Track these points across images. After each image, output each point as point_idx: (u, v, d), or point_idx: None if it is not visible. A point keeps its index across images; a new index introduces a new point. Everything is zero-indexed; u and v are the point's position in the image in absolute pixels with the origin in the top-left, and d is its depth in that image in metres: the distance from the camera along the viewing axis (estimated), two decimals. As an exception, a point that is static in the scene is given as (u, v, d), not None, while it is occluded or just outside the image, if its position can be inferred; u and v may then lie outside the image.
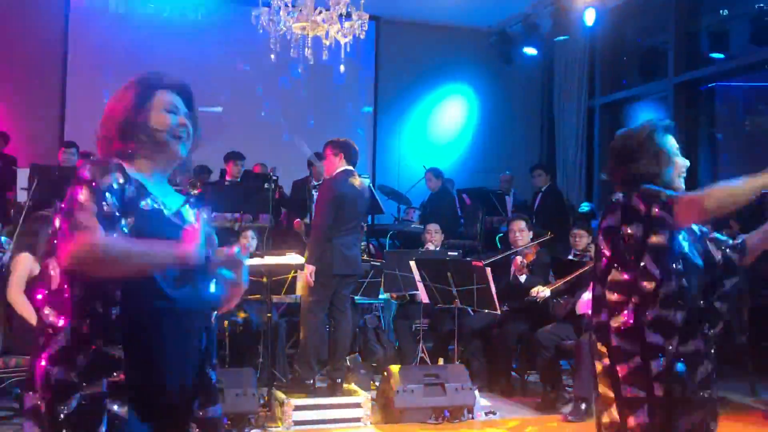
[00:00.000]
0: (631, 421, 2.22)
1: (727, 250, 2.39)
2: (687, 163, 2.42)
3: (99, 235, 1.66)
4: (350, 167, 5.36)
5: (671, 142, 2.40)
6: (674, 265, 2.24)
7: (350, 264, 5.27)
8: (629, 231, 2.26)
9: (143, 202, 1.80)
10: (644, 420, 2.20)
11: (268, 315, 5.20)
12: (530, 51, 9.37)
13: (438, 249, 6.45)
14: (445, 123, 10.16)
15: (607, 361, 2.28)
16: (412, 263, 5.58)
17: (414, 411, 4.81)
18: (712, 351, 2.32)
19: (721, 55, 8.16)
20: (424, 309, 5.93)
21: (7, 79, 8.28)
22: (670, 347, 2.21)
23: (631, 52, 9.57)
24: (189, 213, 1.94)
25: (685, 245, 2.30)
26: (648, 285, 2.23)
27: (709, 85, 8.53)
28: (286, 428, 4.61)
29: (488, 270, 5.21)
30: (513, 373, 5.96)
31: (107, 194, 1.71)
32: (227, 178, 7.64)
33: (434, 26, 9.70)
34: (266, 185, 6.86)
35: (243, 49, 8.88)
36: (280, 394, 4.88)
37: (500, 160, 9.64)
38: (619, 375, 2.24)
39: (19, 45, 8.19)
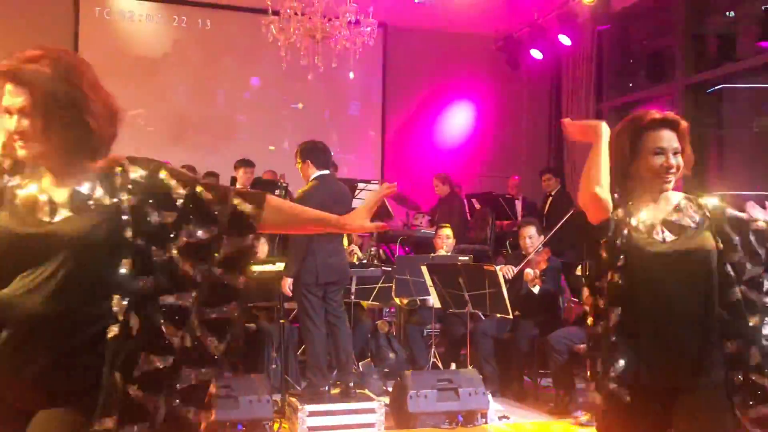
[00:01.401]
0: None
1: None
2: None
3: None
4: (324, 171, 5.27)
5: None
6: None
7: (335, 271, 5.21)
8: None
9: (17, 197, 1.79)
10: None
11: (281, 321, 5.24)
12: (537, 55, 9.38)
13: (449, 254, 6.47)
14: (453, 128, 10.18)
15: None
16: (424, 268, 5.59)
17: (427, 416, 4.82)
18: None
19: (729, 57, 8.16)
20: (435, 314, 5.94)
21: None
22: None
23: (638, 55, 9.58)
24: (88, 189, 1.83)
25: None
26: None
27: (717, 87, 8.53)
28: (300, 434, 4.63)
29: (500, 274, 5.22)
30: (525, 378, 5.96)
31: None
32: (237, 185, 7.68)
33: (441, 32, 9.72)
34: (276, 192, 6.88)
35: (252, 57, 8.92)
36: (294, 401, 4.90)
37: (508, 164, 9.66)
38: None
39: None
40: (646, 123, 2.27)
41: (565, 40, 8.97)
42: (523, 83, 10.14)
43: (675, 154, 2.26)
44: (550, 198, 8.29)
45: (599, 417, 2.27)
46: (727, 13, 8.43)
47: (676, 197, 2.30)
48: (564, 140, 9.98)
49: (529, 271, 5.77)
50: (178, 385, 1.77)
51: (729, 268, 2.17)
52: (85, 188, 1.79)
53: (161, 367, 1.73)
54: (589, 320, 2.27)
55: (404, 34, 9.73)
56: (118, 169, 1.81)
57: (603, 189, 2.20)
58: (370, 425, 4.76)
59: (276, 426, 4.68)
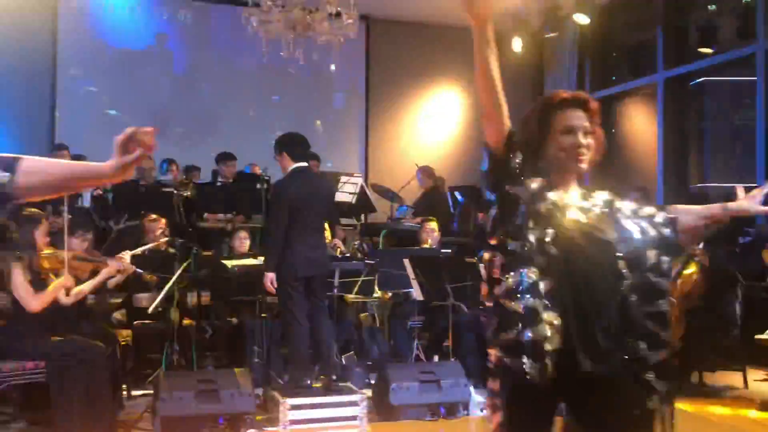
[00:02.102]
0: None
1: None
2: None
3: None
4: (302, 164, 5.16)
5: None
6: None
7: (315, 265, 5.11)
8: None
9: None
10: None
11: (263, 315, 5.22)
12: (519, 48, 9.39)
13: (434, 247, 6.47)
14: (437, 121, 10.18)
15: None
16: (407, 261, 5.59)
17: (410, 408, 4.83)
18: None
19: (710, 50, 8.22)
20: (418, 306, 5.95)
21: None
22: None
23: (620, 48, 9.62)
24: None
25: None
26: None
27: (698, 80, 8.59)
28: (282, 428, 4.61)
29: (481, 266, 5.23)
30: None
31: None
32: (220, 179, 7.64)
33: (424, 24, 9.72)
34: (258, 185, 6.86)
35: (233, 50, 8.87)
36: (276, 394, 4.88)
37: (492, 157, 9.67)
38: None
39: (9, 48, 8.14)
40: (556, 102, 2.24)
41: (546, 32, 9.00)
42: (505, 76, 10.11)
43: (585, 134, 2.20)
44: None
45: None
46: (709, 6, 8.48)
47: (577, 190, 2.23)
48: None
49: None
50: None
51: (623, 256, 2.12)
52: None
53: None
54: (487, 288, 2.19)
55: (387, 25, 9.72)
56: None
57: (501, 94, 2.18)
58: (353, 418, 4.75)
59: (258, 419, 4.66)
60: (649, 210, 2.23)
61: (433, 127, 10.17)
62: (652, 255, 2.14)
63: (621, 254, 2.12)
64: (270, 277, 5.02)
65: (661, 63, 8.52)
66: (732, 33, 7.97)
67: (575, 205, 2.18)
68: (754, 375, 5.93)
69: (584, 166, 2.21)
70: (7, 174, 1.64)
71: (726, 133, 8.96)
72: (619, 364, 2.06)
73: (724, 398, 5.49)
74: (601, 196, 2.24)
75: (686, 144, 8.72)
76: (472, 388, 5.07)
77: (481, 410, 5.03)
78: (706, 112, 9.00)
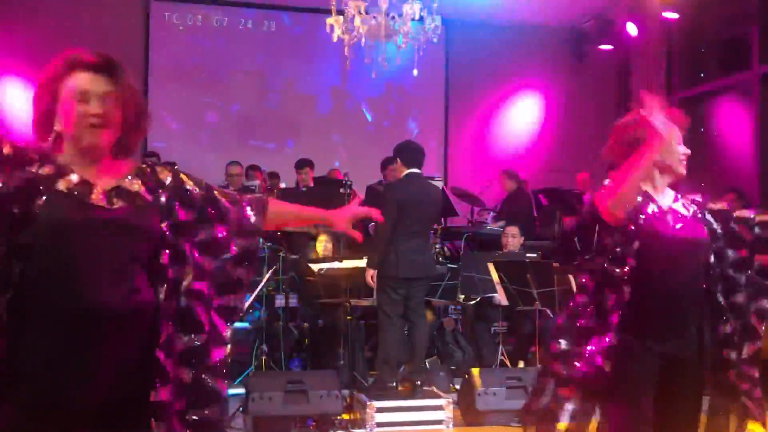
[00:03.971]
0: None
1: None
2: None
3: None
4: (414, 170, 5.35)
5: None
6: None
7: (417, 268, 5.23)
8: None
9: (61, 183, 1.77)
10: None
11: (348, 318, 5.29)
12: (604, 47, 9.18)
13: (517, 251, 6.40)
14: (518, 123, 10.06)
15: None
16: (491, 265, 5.55)
17: (496, 414, 4.79)
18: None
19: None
20: (502, 311, 5.89)
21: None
22: None
23: (710, 44, 9.25)
24: (129, 184, 1.86)
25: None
26: None
27: (797, 76, 8.17)
28: (368, 430, 4.66)
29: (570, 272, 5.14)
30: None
31: None
32: (302, 186, 7.77)
33: (505, 26, 9.62)
34: (341, 190, 6.95)
35: (317, 57, 9.02)
36: (362, 396, 4.94)
37: (575, 159, 9.46)
38: None
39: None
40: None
41: (632, 30, 8.76)
42: (589, 76, 9.94)
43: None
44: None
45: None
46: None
47: (671, 191, 2.45)
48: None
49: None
50: (207, 360, 1.90)
51: (712, 254, 2.38)
52: (126, 183, 1.87)
53: (198, 344, 1.88)
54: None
55: (467, 28, 9.67)
56: (148, 170, 1.93)
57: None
58: (438, 422, 4.76)
59: (345, 420, 4.73)
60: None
61: (514, 129, 10.05)
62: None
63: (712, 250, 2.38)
64: (371, 273, 5.14)
65: (757, 58, 8.14)
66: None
67: (672, 207, 2.40)
68: None
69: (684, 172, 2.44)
70: (258, 217, 2.02)
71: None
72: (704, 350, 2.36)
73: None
74: (695, 196, 2.47)
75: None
76: (559, 395, 4.98)
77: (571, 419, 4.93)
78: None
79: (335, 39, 6.05)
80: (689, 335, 2.34)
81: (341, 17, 6.04)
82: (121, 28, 8.76)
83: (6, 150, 1.74)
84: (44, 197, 1.74)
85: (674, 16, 8.37)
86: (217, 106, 9.08)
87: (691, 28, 9.11)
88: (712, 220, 2.42)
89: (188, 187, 1.96)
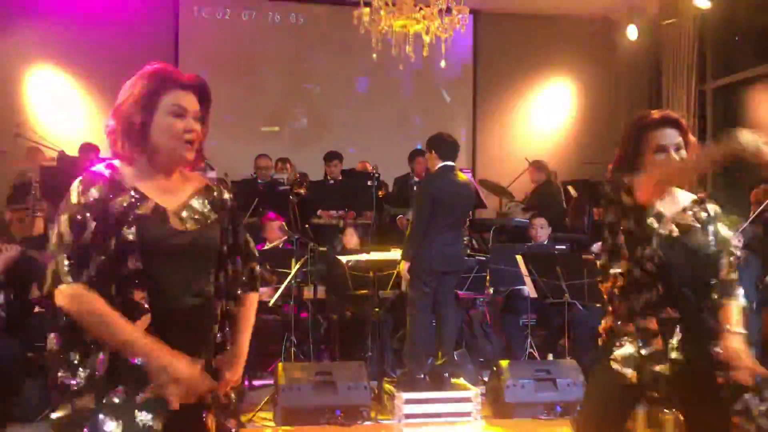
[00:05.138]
0: None
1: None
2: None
3: (77, 288, 1.76)
4: (449, 163, 5.36)
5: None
6: None
7: (450, 260, 5.27)
8: None
9: (141, 209, 1.85)
10: None
11: (376, 309, 5.30)
12: (636, 36, 9.04)
13: (546, 243, 6.35)
14: (547, 114, 9.96)
15: None
16: (519, 258, 5.52)
17: (525, 406, 4.77)
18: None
19: None
20: (531, 303, 5.86)
21: (121, 86, 8.75)
22: None
23: (744, 33, 9.06)
24: (198, 204, 1.97)
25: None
26: None
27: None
28: (397, 421, 4.67)
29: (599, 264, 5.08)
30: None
31: (87, 216, 1.79)
32: (330, 178, 7.79)
33: (534, 16, 9.53)
34: (369, 182, 6.96)
35: (345, 49, 9.02)
36: (390, 388, 4.95)
37: (606, 150, 9.34)
38: None
39: (132, 52, 8.62)
40: (648, 122, 2.46)
41: (664, 19, 8.62)
42: (621, 66, 9.79)
43: (677, 149, 2.41)
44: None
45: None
46: None
47: (685, 197, 2.48)
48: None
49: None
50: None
51: (723, 263, 2.41)
52: (195, 203, 1.96)
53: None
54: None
55: (493, 18, 9.59)
56: (215, 188, 2.03)
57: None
58: (467, 414, 4.75)
59: (373, 413, 4.74)
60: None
61: (542, 120, 9.96)
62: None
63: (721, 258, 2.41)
64: (407, 265, 5.17)
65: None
66: None
67: (674, 217, 2.42)
68: None
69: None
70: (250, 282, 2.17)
71: None
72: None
73: None
74: (714, 207, 2.49)
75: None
76: (589, 388, 4.94)
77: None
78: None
79: (362, 31, 6.03)
80: None
81: (368, 9, 6.02)
82: (150, 22, 8.85)
83: (96, 194, 1.83)
84: (133, 227, 1.83)
85: (707, 4, 8.21)
86: (246, 99, 9.13)
87: (724, 17, 8.92)
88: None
89: (237, 213, 2.09)
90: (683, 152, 2.41)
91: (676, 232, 2.36)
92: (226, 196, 2.04)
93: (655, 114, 2.47)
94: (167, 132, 1.89)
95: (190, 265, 1.90)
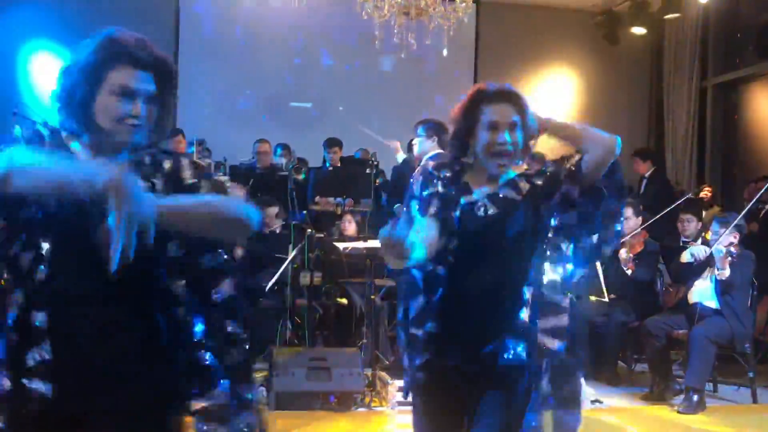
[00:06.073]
0: None
1: None
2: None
3: None
4: (442, 151, 5.28)
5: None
6: None
7: None
8: None
9: None
10: None
11: (372, 297, 5.31)
12: (638, 30, 9.02)
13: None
14: (548, 105, 9.94)
15: None
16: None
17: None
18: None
19: None
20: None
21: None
22: None
23: (747, 29, 9.04)
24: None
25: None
26: None
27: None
28: (390, 408, 4.70)
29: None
30: (620, 362, 5.82)
31: None
32: (329, 164, 7.78)
33: (536, 6, 9.50)
34: (368, 170, 6.95)
35: (346, 35, 8.98)
36: (384, 375, 4.97)
37: (605, 144, 9.37)
38: None
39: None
40: (483, 96, 2.23)
41: (666, 14, 8.60)
42: (622, 60, 9.78)
43: (511, 129, 2.19)
44: (645, 180, 8.01)
45: None
46: None
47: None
48: (663, 120, 9.61)
49: (622, 251, 5.62)
50: None
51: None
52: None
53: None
54: None
55: (497, 8, 9.56)
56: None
57: None
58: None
59: (367, 399, 4.77)
60: None
61: (542, 112, 9.93)
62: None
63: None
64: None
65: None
66: None
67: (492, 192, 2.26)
68: None
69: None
70: None
71: None
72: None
73: None
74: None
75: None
76: (582, 380, 4.95)
77: (592, 402, 4.93)
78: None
79: (364, 17, 6.01)
80: None
81: (371, -5, 6.01)
82: (151, 6, 8.80)
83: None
84: None
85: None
86: (248, 84, 9.09)
87: (727, 13, 8.91)
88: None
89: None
90: (517, 134, 2.19)
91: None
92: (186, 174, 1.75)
93: (492, 87, 2.25)
94: (108, 113, 1.65)
95: None
